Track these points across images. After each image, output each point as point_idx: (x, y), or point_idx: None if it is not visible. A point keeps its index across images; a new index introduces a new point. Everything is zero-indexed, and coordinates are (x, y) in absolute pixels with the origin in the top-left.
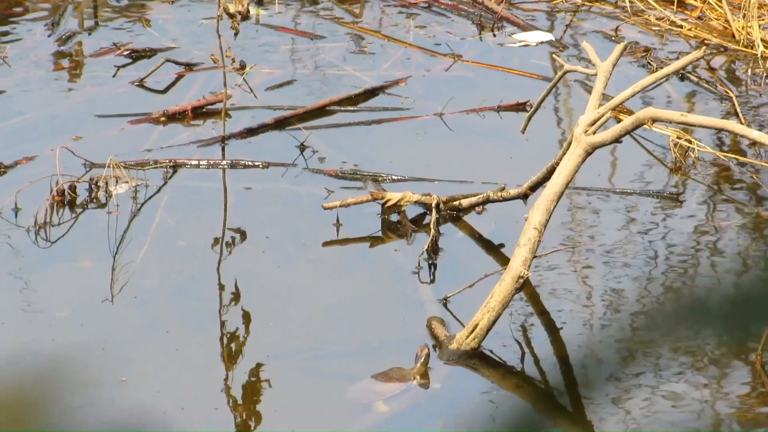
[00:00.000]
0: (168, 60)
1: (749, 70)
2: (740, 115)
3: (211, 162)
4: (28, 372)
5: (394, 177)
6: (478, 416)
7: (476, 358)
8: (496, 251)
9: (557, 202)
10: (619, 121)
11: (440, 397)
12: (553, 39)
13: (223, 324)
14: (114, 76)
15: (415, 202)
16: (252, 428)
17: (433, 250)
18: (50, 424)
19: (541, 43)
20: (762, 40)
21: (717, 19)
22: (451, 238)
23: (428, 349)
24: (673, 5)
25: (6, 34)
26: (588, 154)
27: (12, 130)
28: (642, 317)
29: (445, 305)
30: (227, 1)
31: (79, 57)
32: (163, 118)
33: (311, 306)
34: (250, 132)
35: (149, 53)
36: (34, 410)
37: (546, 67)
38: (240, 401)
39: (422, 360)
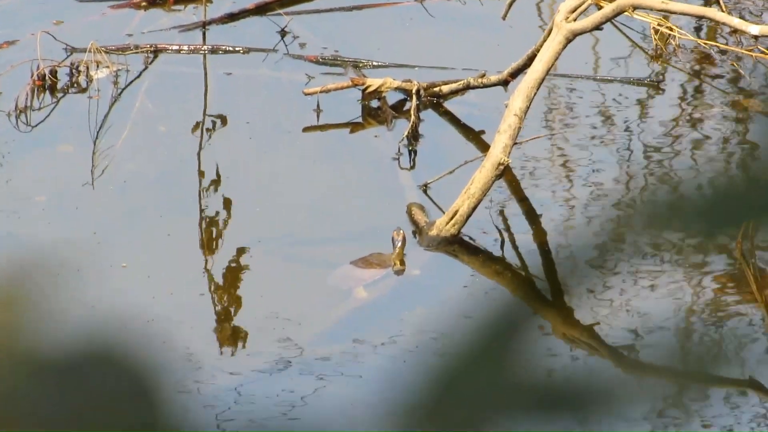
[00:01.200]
0: None
1: None
2: (721, 2)
3: (192, 47)
4: (13, 259)
5: (374, 63)
6: (458, 302)
7: (456, 244)
8: (476, 138)
9: (538, 89)
10: (600, 8)
11: (420, 283)
12: None
13: (204, 210)
14: None
15: (396, 88)
16: (233, 314)
17: (413, 136)
18: (42, 316)
19: None
20: None
21: None
22: (431, 124)
23: (403, 232)
24: None
25: None
26: (568, 41)
27: None
28: (622, 205)
29: (425, 191)
30: None
31: None
32: (144, 3)
33: (291, 192)
34: (231, 17)
35: None
36: (24, 301)
37: None
38: (223, 287)
39: (399, 244)
